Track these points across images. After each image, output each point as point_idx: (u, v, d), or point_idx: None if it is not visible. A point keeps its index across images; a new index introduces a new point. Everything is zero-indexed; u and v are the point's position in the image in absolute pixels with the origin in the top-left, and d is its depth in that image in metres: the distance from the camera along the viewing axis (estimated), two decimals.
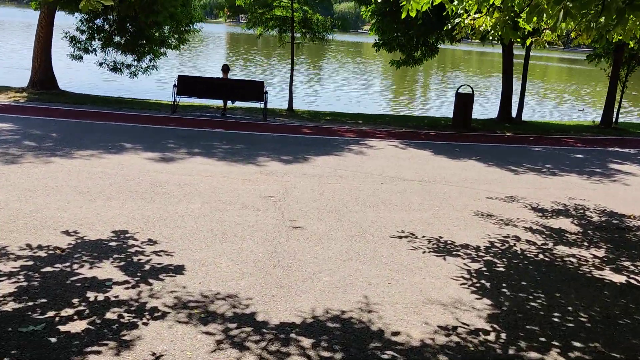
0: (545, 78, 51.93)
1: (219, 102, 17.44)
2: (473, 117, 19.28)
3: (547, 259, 6.99)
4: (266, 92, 16.01)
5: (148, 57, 19.61)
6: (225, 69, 16.57)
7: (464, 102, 17.03)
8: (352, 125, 16.42)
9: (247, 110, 17.54)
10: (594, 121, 22.18)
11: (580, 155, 14.16)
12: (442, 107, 27.28)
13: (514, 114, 19.80)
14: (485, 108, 26.34)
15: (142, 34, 19.15)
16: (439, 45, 20.36)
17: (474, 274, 6.34)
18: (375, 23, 19.33)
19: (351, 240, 7.07)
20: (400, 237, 7.32)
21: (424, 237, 7.42)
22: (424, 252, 6.89)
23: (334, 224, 7.65)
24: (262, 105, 16.14)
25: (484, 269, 6.52)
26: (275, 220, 7.59)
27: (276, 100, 22.72)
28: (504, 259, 6.86)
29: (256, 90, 15.90)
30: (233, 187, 8.97)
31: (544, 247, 7.41)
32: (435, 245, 7.13)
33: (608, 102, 19.64)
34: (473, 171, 11.49)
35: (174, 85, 15.64)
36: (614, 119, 20.05)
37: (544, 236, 7.83)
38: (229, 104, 17.03)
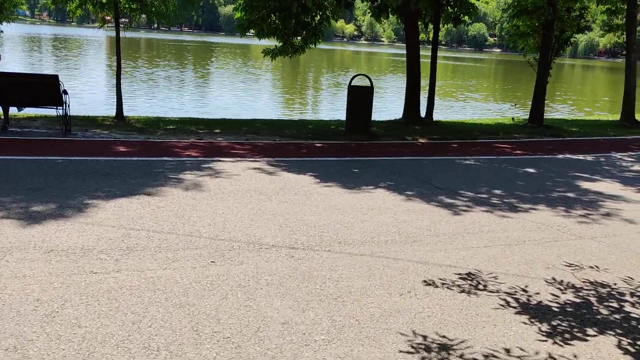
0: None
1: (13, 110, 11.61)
2: (372, 118, 14.71)
3: None
4: (65, 93, 10.47)
5: None
6: None
7: (360, 98, 12.28)
8: (203, 136, 11.19)
9: (52, 120, 11.82)
10: (513, 118, 18.36)
11: (530, 170, 9.76)
12: (334, 108, 22.69)
13: (422, 113, 15.42)
14: (384, 110, 22.01)
15: None
16: (320, 40, 15.54)
17: None
18: None
19: None
20: None
21: None
22: None
23: None
24: (62, 113, 10.56)
25: None
26: None
27: (157, 108, 16.96)
28: None
29: (47, 89, 10.31)
30: None
31: None
32: None
33: (537, 96, 15.67)
34: (386, 213, 6.63)
35: None
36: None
37: None
38: (14, 111, 11.24)
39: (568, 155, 11.36)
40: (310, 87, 33.47)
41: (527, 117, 16.81)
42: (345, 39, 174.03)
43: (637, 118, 17.32)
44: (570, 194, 8.11)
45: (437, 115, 16.99)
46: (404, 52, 15.61)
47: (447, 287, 4.64)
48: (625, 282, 4.98)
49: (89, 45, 59.67)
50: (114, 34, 13.62)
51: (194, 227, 5.71)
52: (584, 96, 38.66)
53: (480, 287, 4.69)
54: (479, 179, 8.76)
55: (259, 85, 31.09)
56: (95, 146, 9.61)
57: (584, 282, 4.93)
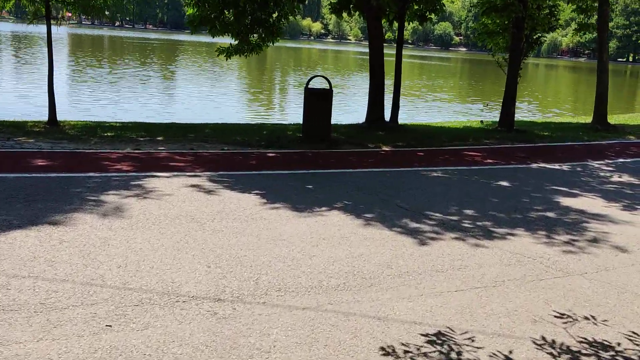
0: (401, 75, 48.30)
1: None
2: (333, 122, 13.73)
3: None
4: None
5: None
6: None
7: (318, 101, 11.22)
8: (142, 145, 9.99)
9: None
10: (482, 121, 17.55)
11: (504, 183, 8.82)
12: (296, 110, 21.62)
13: (386, 115, 14.44)
14: (350, 112, 21.05)
15: None
16: (278, 38, 14.48)
17: None
18: None
19: None
20: None
21: None
22: None
23: None
24: None
25: None
26: None
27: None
28: None
29: None
30: None
31: None
32: None
33: (507, 98, 14.83)
34: (341, 245, 5.58)
35: None
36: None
37: None
38: None
39: (543, 165, 10.48)
40: (273, 88, 32.31)
41: (496, 119, 16.02)
42: (312, 37, 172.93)
43: (608, 120, 16.65)
44: (550, 214, 7.17)
45: (402, 118, 16.07)
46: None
47: (411, 358, 3.59)
48: (631, 340, 4.02)
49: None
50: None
51: (98, 272, 4.57)
52: (550, 96, 38.37)
53: (453, 355, 3.67)
54: (448, 195, 7.78)
55: (219, 86, 29.80)
56: (10, 159, 8.33)
57: (580, 342, 3.95)
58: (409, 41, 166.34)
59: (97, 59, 39.49)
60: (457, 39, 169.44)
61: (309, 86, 11.36)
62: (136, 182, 7.39)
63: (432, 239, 5.94)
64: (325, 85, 11.84)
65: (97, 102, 19.63)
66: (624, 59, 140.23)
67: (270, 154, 10.01)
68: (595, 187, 8.86)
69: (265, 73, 41.06)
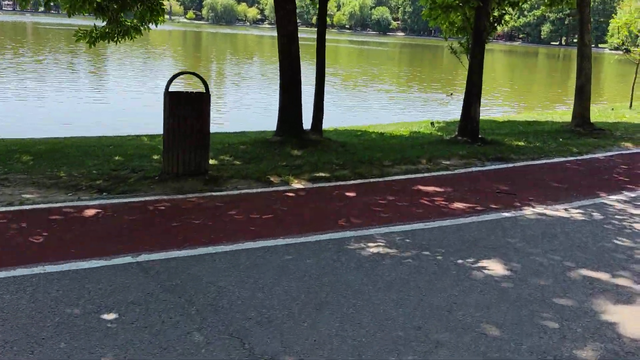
0: (333, 62, 44.38)
1: None
2: (240, 129, 9.84)
3: None
4: None
5: None
6: None
7: (186, 113, 7.00)
8: None
9: None
10: (432, 122, 13.88)
11: (494, 269, 4.90)
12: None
13: (307, 122, 10.42)
14: (271, 112, 17.03)
15: None
16: (162, 18, 10.53)
17: None
18: None
19: None
20: None
21: None
22: None
23: None
24: None
25: None
26: None
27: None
28: None
29: None
30: None
31: None
32: None
33: (469, 97, 11.03)
34: None
35: None
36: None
37: None
38: None
39: (540, 209, 6.66)
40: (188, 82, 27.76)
41: (446, 117, 12.29)
42: (247, 23, 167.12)
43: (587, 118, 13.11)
44: None
45: (331, 118, 12.15)
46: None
47: None
48: None
49: None
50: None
51: None
52: (501, 86, 35.20)
53: None
54: (400, 328, 3.81)
55: (123, 80, 25.09)
56: None
57: None
58: (347, 26, 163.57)
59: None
60: (394, 23, 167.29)
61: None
62: None
63: None
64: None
65: None
66: (557, 43, 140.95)
67: (92, 210, 5.78)
68: None
69: (192, 64, 36.41)
